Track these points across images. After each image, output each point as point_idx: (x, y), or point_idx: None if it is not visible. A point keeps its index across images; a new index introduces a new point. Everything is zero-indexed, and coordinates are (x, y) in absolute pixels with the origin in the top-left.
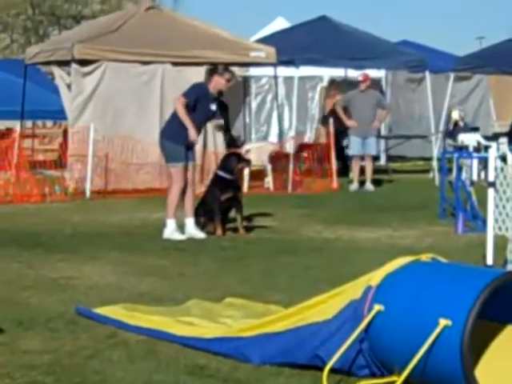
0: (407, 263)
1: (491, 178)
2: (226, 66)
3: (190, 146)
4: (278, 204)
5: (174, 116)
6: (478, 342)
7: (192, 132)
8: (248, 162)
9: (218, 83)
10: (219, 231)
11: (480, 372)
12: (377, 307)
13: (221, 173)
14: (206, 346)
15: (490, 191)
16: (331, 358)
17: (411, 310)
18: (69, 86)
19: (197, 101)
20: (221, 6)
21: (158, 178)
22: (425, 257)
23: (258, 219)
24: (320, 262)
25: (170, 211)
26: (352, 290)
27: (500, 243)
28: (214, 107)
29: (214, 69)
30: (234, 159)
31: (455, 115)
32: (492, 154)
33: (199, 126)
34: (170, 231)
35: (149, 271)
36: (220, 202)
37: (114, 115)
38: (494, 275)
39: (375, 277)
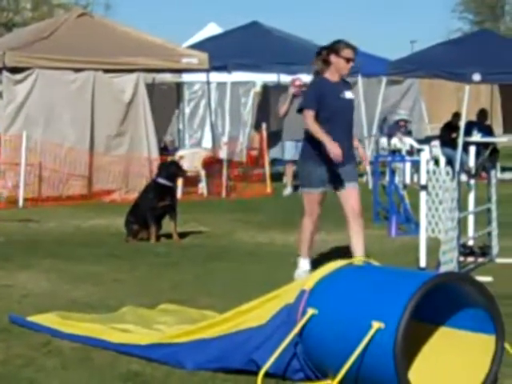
0: (340, 267)
1: (423, 182)
2: (340, 41)
3: (338, 164)
4: (212, 210)
5: (307, 133)
6: (411, 344)
7: (331, 145)
8: (184, 173)
9: (339, 66)
10: (153, 238)
11: (413, 374)
12: (310, 311)
13: (161, 180)
14: (140, 352)
15: (423, 194)
16: (266, 362)
17: (345, 313)
18: (0, 94)
19: (321, 101)
20: (153, 13)
21: (88, 186)
22: (357, 260)
23: (192, 225)
24: (253, 266)
25: (303, 249)
26: (286, 295)
27: (433, 245)
28: (349, 95)
29: (325, 50)
30: (174, 167)
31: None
32: (424, 157)
33: (341, 131)
34: (303, 272)
35: (83, 278)
36: (156, 209)
37: (46, 123)
38: (425, 277)
39: (309, 281)
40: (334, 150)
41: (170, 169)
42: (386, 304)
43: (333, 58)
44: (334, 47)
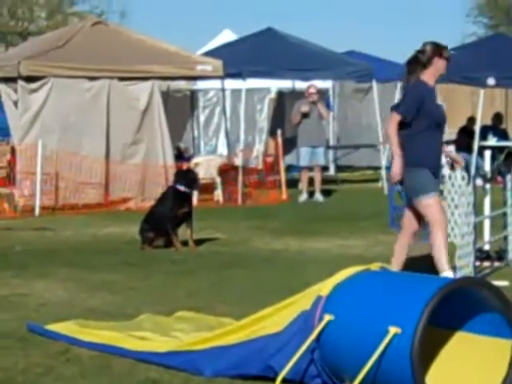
0: (357, 272)
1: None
2: (433, 42)
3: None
4: (228, 216)
5: (408, 138)
6: (428, 350)
7: (395, 164)
8: (199, 182)
9: (440, 68)
10: (178, 245)
11: (430, 379)
12: (327, 317)
13: (180, 186)
14: (158, 360)
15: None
16: (283, 369)
17: (361, 319)
18: (15, 103)
19: (422, 107)
20: (167, 20)
21: (104, 194)
22: (374, 266)
23: (208, 232)
24: (269, 273)
25: (443, 262)
26: (302, 301)
27: (449, 250)
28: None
29: (423, 53)
30: (191, 174)
31: None
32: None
33: (439, 139)
34: None
35: (99, 286)
36: (176, 217)
37: (62, 131)
38: (442, 282)
39: (325, 287)
40: (394, 169)
41: (188, 176)
42: (402, 309)
43: (436, 59)
44: (438, 48)
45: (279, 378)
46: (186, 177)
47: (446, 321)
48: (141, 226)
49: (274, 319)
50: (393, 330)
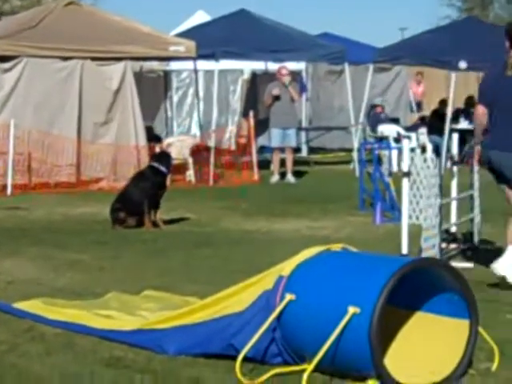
0: (318, 253)
1: (405, 168)
2: None
3: None
4: (199, 197)
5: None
6: (387, 329)
7: (477, 152)
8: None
9: None
10: (149, 224)
11: (389, 358)
12: (288, 296)
13: (159, 166)
14: (122, 338)
15: (405, 181)
16: (245, 347)
17: (321, 299)
18: None
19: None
20: (141, 1)
21: (76, 174)
22: (335, 246)
23: (179, 212)
24: (238, 253)
25: None
26: (265, 280)
27: (416, 232)
28: None
29: None
30: (168, 157)
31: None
32: (406, 144)
33: None
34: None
35: (69, 266)
36: (155, 196)
37: (34, 111)
38: (401, 263)
39: (286, 267)
40: (476, 157)
41: (166, 157)
42: (361, 289)
43: None
44: None
45: (240, 357)
46: (165, 158)
47: (405, 301)
48: (112, 205)
49: (237, 298)
50: (352, 309)
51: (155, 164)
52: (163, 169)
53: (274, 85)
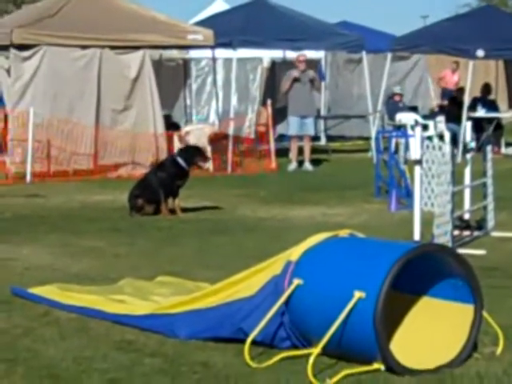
0: (325, 239)
1: (418, 156)
2: None
3: None
4: (217, 185)
5: None
6: (392, 314)
7: None
8: (207, 159)
9: None
10: (166, 212)
11: (395, 342)
12: (296, 281)
13: (179, 160)
14: (135, 322)
15: (417, 168)
16: (253, 331)
17: (328, 284)
18: (8, 71)
19: None
20: None
21: (94, 161)
22: (343, 232)
23: (196, 200)
24: (252, 240)
25: None
26: (274, 266)
27: (430, 219)
28: None
29: None
30: (196, 152)
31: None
32: (418, 132)
33: None
34: None
35: (85, 252)
36: (168, 185)
37: (53, 99)
38: (405, 248)
39: (295, 252)
40: None
41: (191, 153)
42: (367, 274)
43: None
44: None
45: (249, 340)
46: (190, 153)
47: (410, 286)
48: (130, 192)
49: (247, 283)
50: (357, 294)
51: (178, 158)
52: (183, 164)
53: (292, 71)
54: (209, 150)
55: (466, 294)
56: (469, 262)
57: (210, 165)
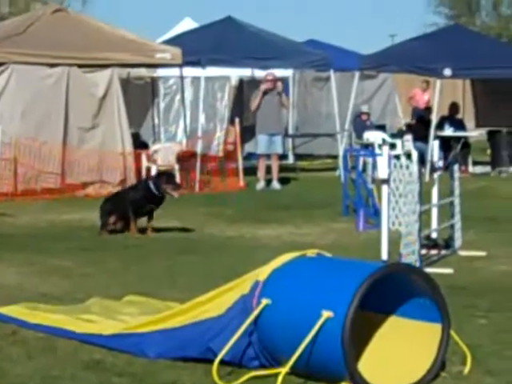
0: (293, 258)
1: (385, 175)
2: None
3: None
4: (185, 204)
5: None
6: (361, 333)
7: None
8: (177, 187)
9: None
10: (135, 230)
11: (363, 362)
12: (264, 301)
13: (151, 185)
14: (103, 342)
15: (384, 188)
16: (222, 351)
17: (297, 303)
18: None
19: None
20: (129, 8)
21: (62, 180)
22: (310, 252)
23: (164, 219)
24: (221, 259)
25: None
26: (242, 285)
27: (398, 239)
28: None
29: None
30: (167, 180)
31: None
32: (386, 151)
33: None
34: None
35: (52, 271)
36: (139, 206)
37: (21, 118)
38: (373, 268)
39: (263, 272)
40: None
41: (160, 180)
42: (335, 294)
43: None
44: None
45: (217, 360)
46: (160, 179)
47: (378, 305)
48: (102, 207)
49: (216, 303)
50: (325, 313)
51: (150, 183)
52: (154, 189)
53: (261, 86)
54: (177, 168)
55: (434, 313)
56: (436, 281)
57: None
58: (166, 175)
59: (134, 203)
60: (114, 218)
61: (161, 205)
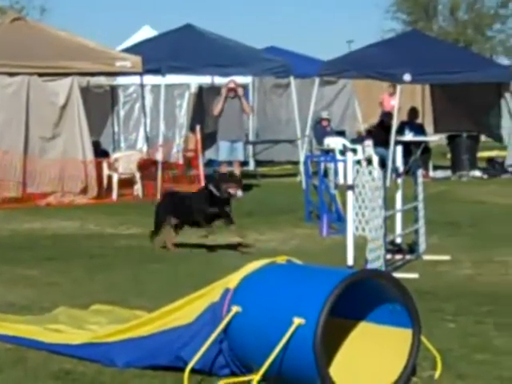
0: (263, 265)
1: (350, 181)
2: None
3: None
4: (147, 212)
5: None
6: (332, 339)
7: None
8: (238, 185)
9: None
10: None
11: (334, 368)
12: (235, 309)
13: (212, 188)
14: (72, 351)
15: (350, 194)
16: (192, 359)
17: (267, 310)
18: None
19: None
20: (88, 16)
21: (24, 189)
22: (280, 259)
23: (127, 227)
24: (186, 267)
25: None
26: (212, 293)
27: (363, 244)
28: None
29: None
30: (223, 179)
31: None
32: (350, 157)
33: None
34: None
35: (18, 281)
36: (205, 214)
37: None
38: (344, 275)
39: (233, 279)
40: None
41: (222, 180)
42: (306, 301)
43: None
44: None
45: (188, 368)
46: (221, 180)
47: (349, 312)
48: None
49: (185, 311)
50: (297, 320)
51: (211, 185)
52: (216, 192)
53: (222, 91)
54: (138, 176)
55: (404, 318)
56: (406, 286)
57: (139, 191)
58: (226, 175)
59: (200, 211)
60: (174, 222)
61: (227, 206)
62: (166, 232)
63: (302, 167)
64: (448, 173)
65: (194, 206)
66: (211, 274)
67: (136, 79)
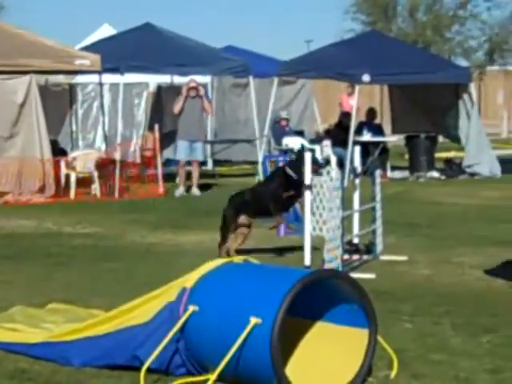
0: (220, 265)
1: (307, 181)
2: None
3: None
4: (105, 210)
5: None
6: (289, 339)
7: None
8: (320, 166)
9: None
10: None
11: (291, 368)
12: (191, 308)
13: (289, 171)
14: (28, 350)
15: (307, 194)
16: (149, 358)
17: (224, 310)
18: None
19: None
20: (46, 14)
21: None
22: (237, 259)
23: (84, 226)
24: (144, 266)
25: None
26: (169, 292)
27: (320, 244)
28: None
29: None
30: (303, 159)
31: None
32: (308, 157)
33: None
34: None
35: None
36: (279, 198)
37: None
38: (301, 274)
39: (189, 279)
40: None
41: (301, 161)
42: (263, 300)
43: None
44: None
45: (144, 368)
46: (300, 160)
47: (306, 311)
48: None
49: (142, 310)
50: (253, 320)
51: (287, 168)
52: (293, 174)
53: (183, 91)
54: (96, 175)
55: (361, 318)
56: (363, 287)
57: (97, 190)
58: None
59: (274, 195)
60: (243, 219)
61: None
62: (231, 239)
63: (260, 167)
64: (406, 173)
65: (269, 193)
66: (167, 273)
67: (95, 78)
